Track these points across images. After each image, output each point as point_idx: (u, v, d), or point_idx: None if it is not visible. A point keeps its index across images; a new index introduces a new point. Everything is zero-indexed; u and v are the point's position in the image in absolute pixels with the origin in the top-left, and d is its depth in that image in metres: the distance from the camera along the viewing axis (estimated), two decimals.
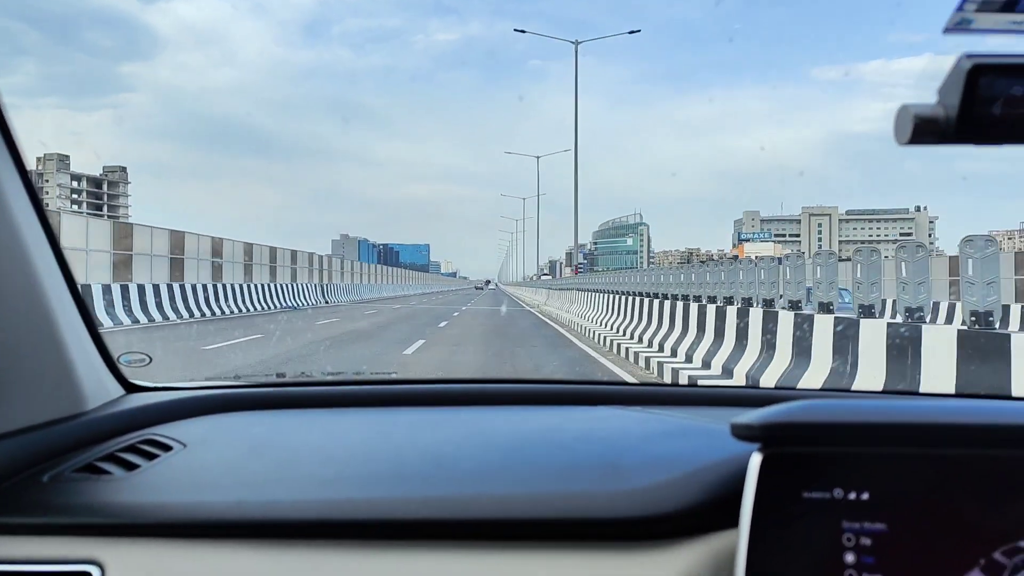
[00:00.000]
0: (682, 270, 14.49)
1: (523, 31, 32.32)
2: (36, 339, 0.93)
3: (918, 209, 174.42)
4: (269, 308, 23.83)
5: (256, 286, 24.07)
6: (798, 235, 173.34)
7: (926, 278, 7.19)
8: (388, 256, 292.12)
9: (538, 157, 46.13)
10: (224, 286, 21.66)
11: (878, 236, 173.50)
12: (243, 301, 22.45)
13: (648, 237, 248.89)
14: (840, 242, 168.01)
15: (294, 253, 31.08)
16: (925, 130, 0.49)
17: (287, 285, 26.92)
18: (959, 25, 0.49)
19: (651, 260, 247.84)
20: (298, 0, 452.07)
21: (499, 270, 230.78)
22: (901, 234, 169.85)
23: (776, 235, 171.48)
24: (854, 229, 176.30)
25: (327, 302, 29.65)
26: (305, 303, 27.68)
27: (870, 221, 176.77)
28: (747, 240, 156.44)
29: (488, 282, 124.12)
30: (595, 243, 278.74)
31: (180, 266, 21.37)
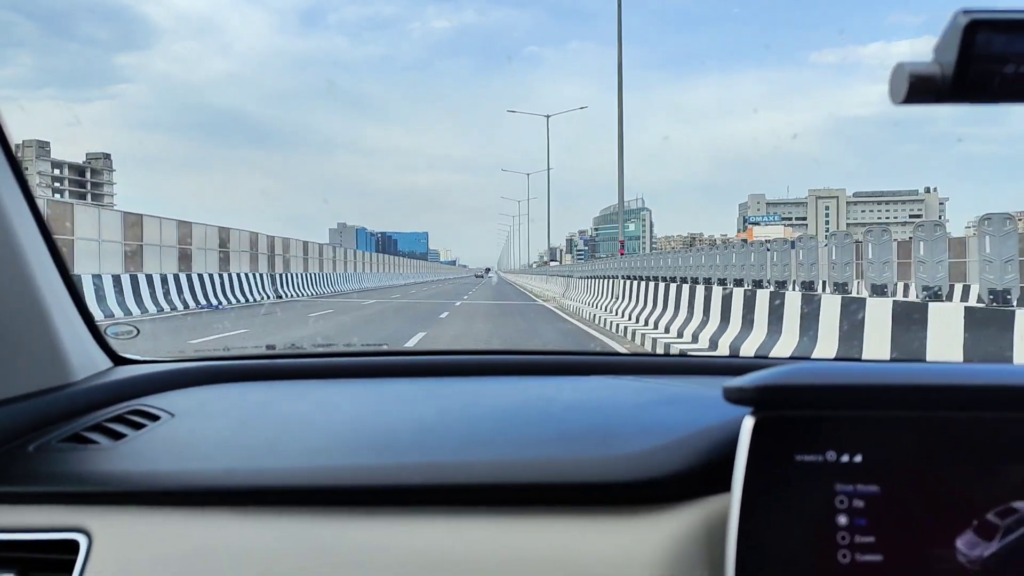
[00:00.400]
0: (692, 253, 14.61)
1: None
2: (21, 311, 0.95)
3: (928, 191, 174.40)
4: (256, 299, 23.73)
5: (244, 276, 23.97)
6: (805, 218, 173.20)
7: (944, 257, 7.30)
8: (386, 244, 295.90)
9: (547, 116, 44.74)
10: (209, 277, 21.64)
11: (887, 218, 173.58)
12: (228, 292, 22.34)
13: (651, 222, 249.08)
14: (848, 224, 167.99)
15: (286, 241, 31.02)
16: (921, 88, 0.49)
17: (275, 276, 26.71)
18: None
19: (654, 245, 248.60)
20: None
21: (498, 258, 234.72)
22: (911, 216, 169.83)
23: (783, 218, 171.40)
24: (862, 211, 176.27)
25: (313, 293, 29.27)
26: (298, 293, 27.63)
27: (878, 203, 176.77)
28: (756, 223, 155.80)
29: (488, 270, 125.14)
30: (596, 229, 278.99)
31: (188, 256, 21.95)
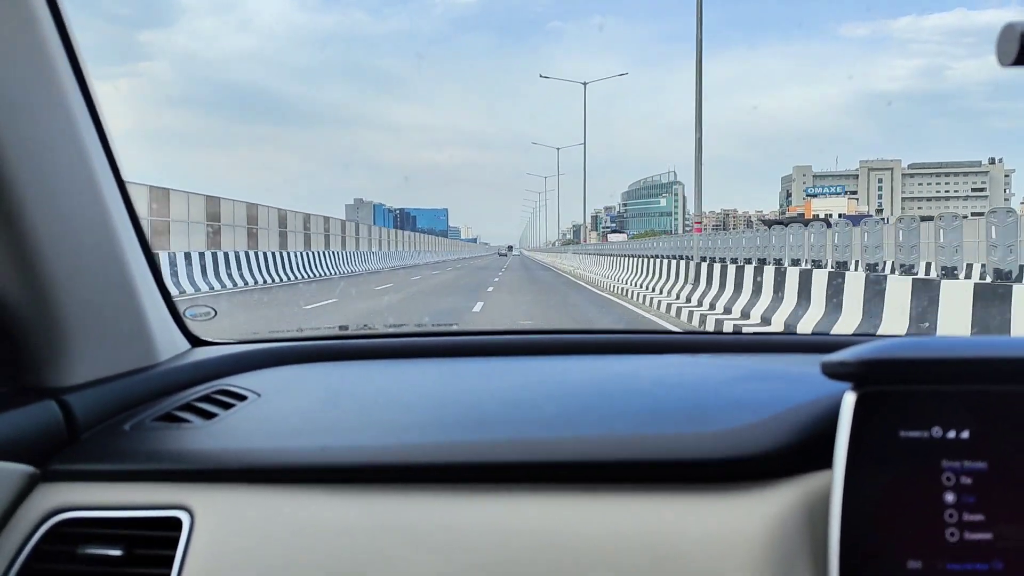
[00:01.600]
0: (744, 234, 14.92)
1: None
2: (112, 294, 1.04)
3: (992, 162, 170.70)
4: (282, 279, 24.64)
5: (272, 255, 24.78)
6: (856, 192, 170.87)
7: (1014, 241, 7.85)
8: (405, 221, 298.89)
9: (585, 83, 45.31)
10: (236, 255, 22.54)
11: (946, 192, 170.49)
12: (258, 271, 23.22)
13: (684, 197, 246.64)
14: (903, 199, 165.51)
15: (306, 217, 31.74)
16: None
17: (284, 254, 26.75)
18: None
19: (687, 222, 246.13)
20: None
21: (521, 235, 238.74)
22: (973, 189, 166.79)
23: (807, 195, 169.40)
24: (919, 184, 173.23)
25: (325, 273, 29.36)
26: (302, 275, 27.71)
27: (937, 176, 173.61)
28: (814, 195, 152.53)
29: (511, 247, 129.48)
30: (625, 204, 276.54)
31: (216, 233, 22.89)
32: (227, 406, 1.07)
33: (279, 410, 1.08)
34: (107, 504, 0.87)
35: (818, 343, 1.38)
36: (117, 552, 0.83)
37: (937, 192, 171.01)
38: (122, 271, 1.05)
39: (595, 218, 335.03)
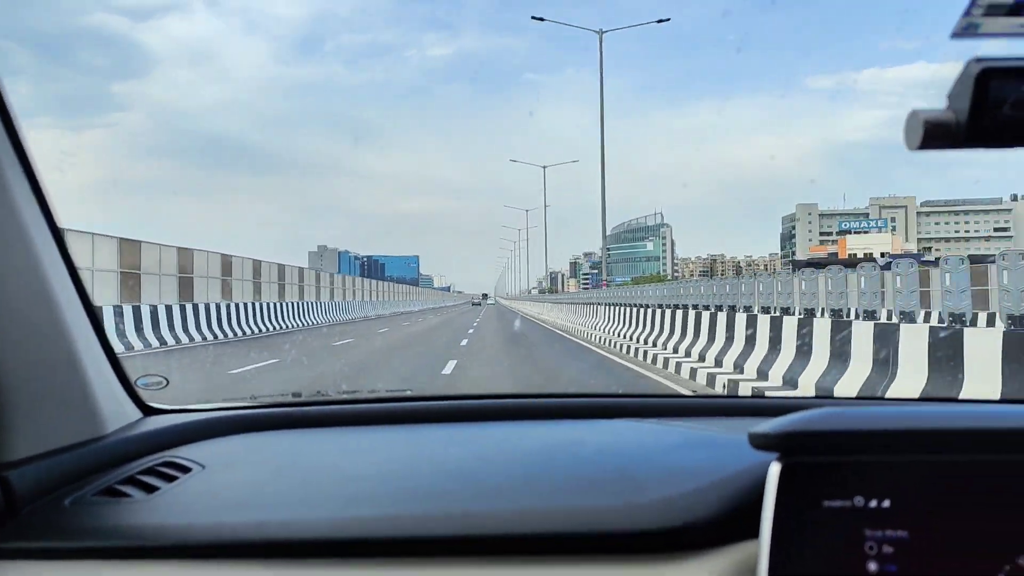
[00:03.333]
0: (778, 278, 14.78)
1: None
2: (56, 363, 1.12)
3: (1015, 199, 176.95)
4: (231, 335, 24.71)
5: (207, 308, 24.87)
6: (867, 231, 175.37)
7: None
8: (372, 269, 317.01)
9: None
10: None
11: (964, 232, 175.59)
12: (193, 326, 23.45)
13: (672, 240, 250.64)
14: (919, 240, 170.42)
15: (256, 264, 32.24)
16: (935, 134, 0.60)
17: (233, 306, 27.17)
18: (967, 30, 0.59)
19: (675, 267, 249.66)
20: (292, 16, 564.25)
21: (495, 284, 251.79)
22: (995, 229, 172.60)
23: (839, 232, 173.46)
24: (935, 224, 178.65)
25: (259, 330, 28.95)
26: (247, 329, 27.64)
27: (955, 214, 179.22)
28: (850, 232, 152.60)
29: (485, 296, 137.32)
30: (607, 250, 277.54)
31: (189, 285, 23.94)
32: (171, 479, 1.17)
33: (223, 483, 1.19)
34: None
35: (763, 407, 1.56)
36: None
37: (956, 232, 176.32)
38: (64, 339, 1.13)
39: (574, 265, 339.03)
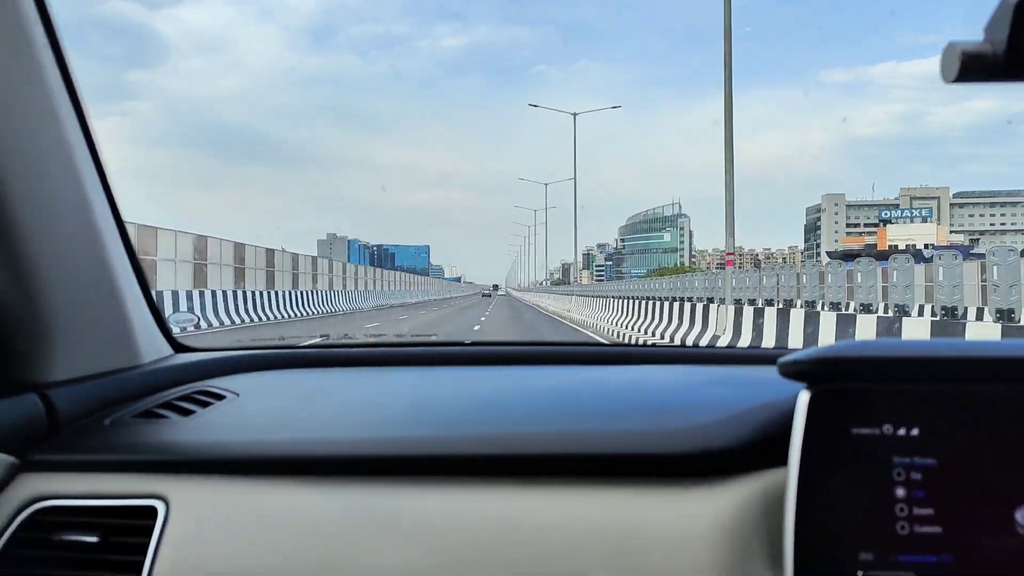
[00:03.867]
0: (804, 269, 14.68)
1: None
2: (98, 295, 1.25)
3: None
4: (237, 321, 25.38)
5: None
6: (909, 219, 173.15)
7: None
8: (383, 258, 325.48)
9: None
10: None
11: (1001, 225, 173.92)
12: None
13: (690, 231, 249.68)
14: (951, 232, 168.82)
15: (269, 253, 33.15)
16: (972, 67, 0.62)
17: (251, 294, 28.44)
18: None
19: (693, 260, 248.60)
20: (304, 6, 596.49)
21: (506, 275, 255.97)
22: None
23: (867, 224, 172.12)
24: (970, 216, 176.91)
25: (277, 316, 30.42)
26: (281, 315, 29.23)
27: (990, 206, 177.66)
28: (890, 222, 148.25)
29: (496, 287, 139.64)
30: (622, 240, 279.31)
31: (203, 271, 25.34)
32: (205, 404, 1.28)
33: (256, 408, 1.30)
34: (85, 493, 1.06)
35: (778, 354, 1.91)
36: (93, 539, 1.02)
37: (991, 224, 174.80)
38: (108, 274, 1.26)
39: (587, 256, 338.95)
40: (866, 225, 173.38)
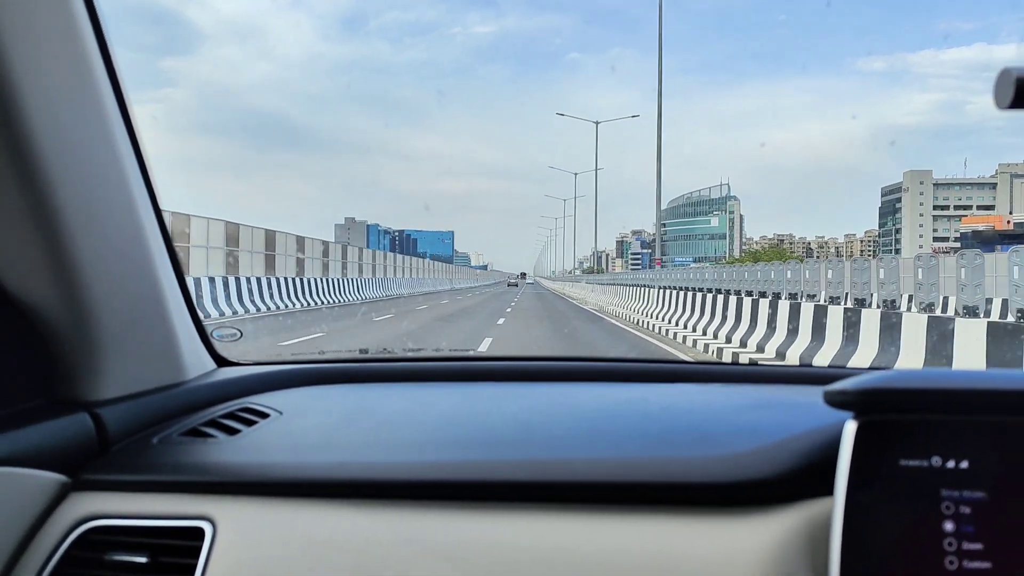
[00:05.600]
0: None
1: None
2: (146, 314, 1.42)
3: None
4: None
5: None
6: (991, 206, 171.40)
7: None
8: (404, 244, 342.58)
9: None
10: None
11: None
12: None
13: (740, 216, 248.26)
14: None
15: (269, 235, 34.74)
16: None
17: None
18: None
19: (743, 247, 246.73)
20: None
21: (534, 264, 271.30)
22: None
23: (957, 207, 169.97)
24: None
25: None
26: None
27: None
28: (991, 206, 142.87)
29: (523, 275, 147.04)
30: (663, 225, 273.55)
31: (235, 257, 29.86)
32: (250, 423, 1.44)
33: (299, 427, 1.46)
34: (134, 513, 1.20)
35: (825, 375, 1.76)
36: (143, 559, 1.16)
37: None
38: (156, 292, 1.43)
39: (621, 243, 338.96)
40: (956, 207, 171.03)
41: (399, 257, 70.80)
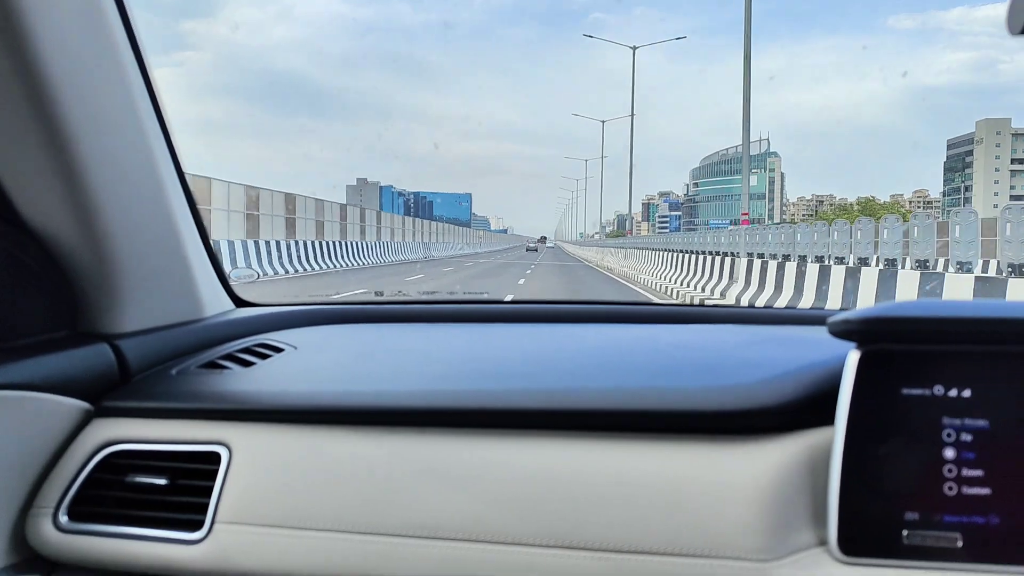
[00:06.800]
0: None
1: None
2: (164, 250, 1.59)
3: None
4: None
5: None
6: None
7: None
8: (420, 207, 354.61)
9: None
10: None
11: None
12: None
13: (781, 173, 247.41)
14: None
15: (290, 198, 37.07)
16: None
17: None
18: None
19: (783, 210, 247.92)
20: None
21: (555, 228, 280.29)
22: None
23: None
24: None
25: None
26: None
27: None
28: None
29: (543, 239, 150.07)
30: (695, 184, 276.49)
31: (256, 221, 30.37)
32: (265, 357, 1.64)
33: (313, 361, 1.65)
34: (154, 438, 1.38)
35: (828, 315, 1.90)
36: (162, 481, 1.33)
37: None
38: (174, 232, 1.62)
39: (647, 206, 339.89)
40: None
41: (418, 221, 73.15)
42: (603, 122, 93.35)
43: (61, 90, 1.30)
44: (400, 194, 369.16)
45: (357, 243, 43.66)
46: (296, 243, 34.30)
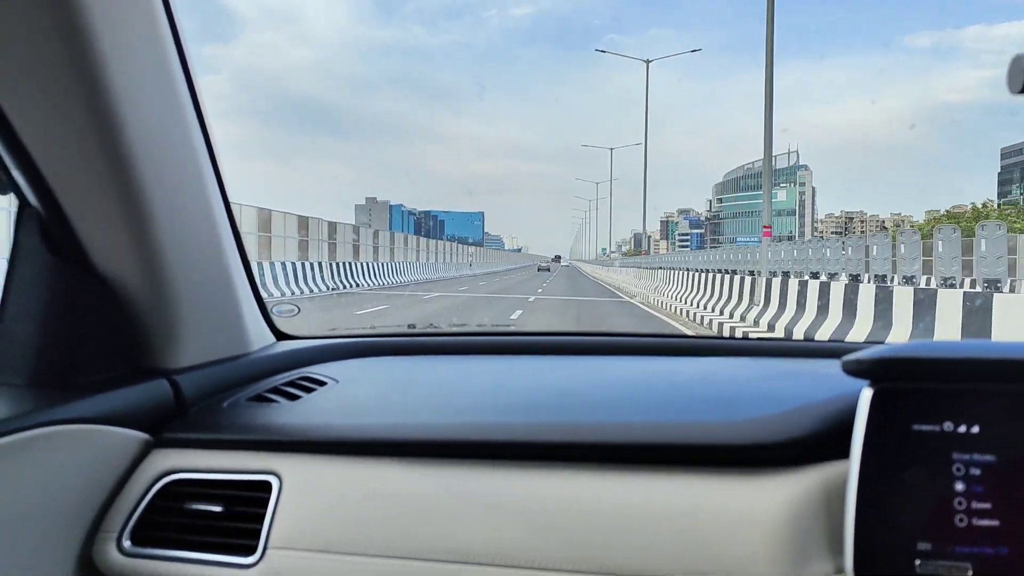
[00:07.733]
0: None
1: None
2: (216, 289, 1.76)
3: None
4: None
5: None
6: None
7: None
8: (430, 226, 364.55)
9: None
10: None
11: None
12: None
13: (812, 188, 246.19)
14: None
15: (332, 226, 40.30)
16: None
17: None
18: None
19: (815, 227, 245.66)
20: None
21: (570, 247, 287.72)
22: None
23: None
24: None
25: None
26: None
27: None
28: None
29: (558, 258, 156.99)
30: (719, 200, 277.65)
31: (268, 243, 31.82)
32: (309, 390, 1.81)
33: (355, 394, 1.83)
34: (210, 468, 1.52)
35: (846, 349, 2.00)
36: (218, 508, 1.48)
37: None
38: (225, 268, 1.78)
39: (666, 223, 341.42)
40: None
41: (422, 240, 74.67)
42: (611, 149, 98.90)
43: (129, 143, 1.45)
44: (410, 213, 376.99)
45: (372, 264, 46.79)
46: (323, 264, 38.18)
